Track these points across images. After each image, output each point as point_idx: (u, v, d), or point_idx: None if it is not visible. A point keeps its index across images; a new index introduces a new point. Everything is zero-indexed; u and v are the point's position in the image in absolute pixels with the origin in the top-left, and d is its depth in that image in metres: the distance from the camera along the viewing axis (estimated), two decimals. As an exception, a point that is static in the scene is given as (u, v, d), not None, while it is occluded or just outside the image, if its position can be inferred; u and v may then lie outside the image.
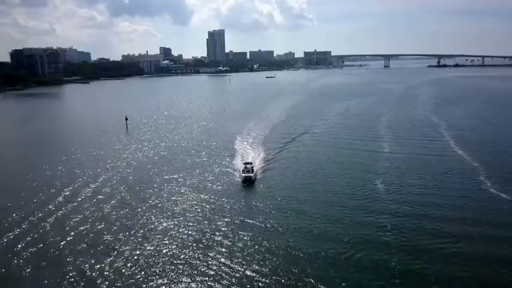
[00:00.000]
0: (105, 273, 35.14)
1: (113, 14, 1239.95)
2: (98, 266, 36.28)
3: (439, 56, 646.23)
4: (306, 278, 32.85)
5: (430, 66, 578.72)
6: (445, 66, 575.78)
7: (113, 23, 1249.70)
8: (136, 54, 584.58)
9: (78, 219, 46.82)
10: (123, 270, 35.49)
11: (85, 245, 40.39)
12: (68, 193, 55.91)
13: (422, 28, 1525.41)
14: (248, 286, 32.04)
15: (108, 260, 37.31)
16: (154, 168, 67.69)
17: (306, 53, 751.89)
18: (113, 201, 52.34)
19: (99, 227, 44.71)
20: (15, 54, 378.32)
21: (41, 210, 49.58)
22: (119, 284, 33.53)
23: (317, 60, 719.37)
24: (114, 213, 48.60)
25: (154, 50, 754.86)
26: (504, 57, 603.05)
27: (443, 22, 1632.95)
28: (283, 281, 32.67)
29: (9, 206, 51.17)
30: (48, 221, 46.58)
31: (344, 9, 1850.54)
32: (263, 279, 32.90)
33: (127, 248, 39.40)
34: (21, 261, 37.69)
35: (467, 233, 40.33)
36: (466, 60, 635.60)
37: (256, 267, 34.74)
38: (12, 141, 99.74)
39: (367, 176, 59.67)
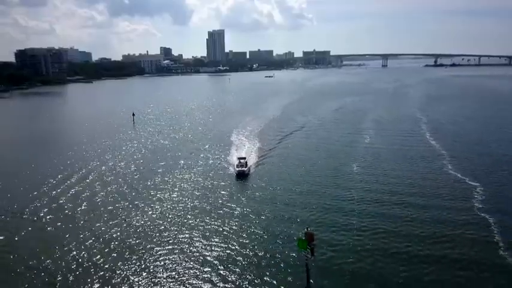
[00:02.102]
0: (110, 234, 43.86)
1: (112, 14, 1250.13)
2: (109, 228, 45.08)
3: (437, 56, 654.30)
4: (285, 257, 37.21)
5: (427, 65, 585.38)
6: (441, 65, 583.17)
7: (112, 22, 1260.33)
8: (137, 54, 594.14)
9: (90, 192, 56.90)
10: (125, 235, 44.02)
11: (97, 210, 49.86)
12: (85, 173, 65.30)
13: (422, 28, 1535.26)
14: (232, 266, 36.42)
15: (114, 223, 46.45)
16: (157, 159, 75.11)
17: (305, 53, 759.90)
18: (120, 183, 61.30)
19: (106, 199, 54.38)
20: (20, 54, 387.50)
21: (62, 185, 58.98)
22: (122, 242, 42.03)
23: (316, 59, 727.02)
24: (120, 192, 57.44)
25: (154, 50, 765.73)
26: (500, 57, 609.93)
27: (443, 22, 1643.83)
28: (264, 260, 37.00)
29: (35, 183, 60.16)
30: (68, 192, 56.14)
31: (344, 9, 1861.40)
32: (246, 259, 37.50)
33: (129, 219, 47.37)
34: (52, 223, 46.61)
35: (421, 209, 47.66)
36: (463, 59, 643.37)
37: (242, 248, 39.47)
38: (28, 136, 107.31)
39: (350, 168, 64.67)
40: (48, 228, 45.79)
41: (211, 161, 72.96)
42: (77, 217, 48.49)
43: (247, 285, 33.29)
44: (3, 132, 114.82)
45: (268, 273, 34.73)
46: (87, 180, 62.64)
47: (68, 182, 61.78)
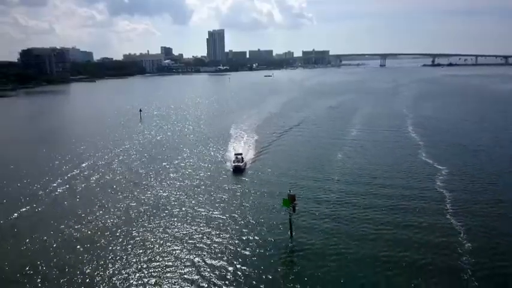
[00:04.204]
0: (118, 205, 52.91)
1: (112, 13, 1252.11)
2: (117, 201, 54.21)
3: (434, 55, 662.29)
4: (274, 219, 45.81)
5: (424, 65, 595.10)
6: (439, 65, 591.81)
7: (112, 22, 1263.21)
8: (137, 53, 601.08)
9: (99, 177, 66.07)
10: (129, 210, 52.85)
11: (106, 190, 59.06)
12: (98, 160, 74.80)
13: (421, 28, 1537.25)
14: (229, 228, 44.49)
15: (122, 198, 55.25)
16: (161, 151, 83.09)
17: (304, 53, 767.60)
18: (127, 170, 70.05)
19: (112, 179, 63.35)
20: (24, 53, 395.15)
21: (78, 169, 68.48)
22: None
23: (315, 59, 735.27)
24: (126, 178, 65.97)
25: (154, 49, 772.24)
26: (496, 57, 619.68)
27: (442, 22, 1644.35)
28: (259, 221, 45.73)
29: (60, 164, 69.07)
30: (82, 175, 65.89)
31: (344, 9, 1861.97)
32: (241, 224, 45.87)
33: (131, 204, 55.28)
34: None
35: (391, 185, 56.63)
36: (460, 59, 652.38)
37: (236, 218, 46.72)
38: (41, 131, 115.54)
39: (335, 157, 72.89)
40: (63, 203, 54.84)
41: (210, 156, 77.88)
42: (84, 196, 56.96)
43: (245, 236, 42.38)
44: (20, 128, 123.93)
45: (260, 228, 43.93)
46: (99, 167, 71.86)
47: (80, 167, 71.29)
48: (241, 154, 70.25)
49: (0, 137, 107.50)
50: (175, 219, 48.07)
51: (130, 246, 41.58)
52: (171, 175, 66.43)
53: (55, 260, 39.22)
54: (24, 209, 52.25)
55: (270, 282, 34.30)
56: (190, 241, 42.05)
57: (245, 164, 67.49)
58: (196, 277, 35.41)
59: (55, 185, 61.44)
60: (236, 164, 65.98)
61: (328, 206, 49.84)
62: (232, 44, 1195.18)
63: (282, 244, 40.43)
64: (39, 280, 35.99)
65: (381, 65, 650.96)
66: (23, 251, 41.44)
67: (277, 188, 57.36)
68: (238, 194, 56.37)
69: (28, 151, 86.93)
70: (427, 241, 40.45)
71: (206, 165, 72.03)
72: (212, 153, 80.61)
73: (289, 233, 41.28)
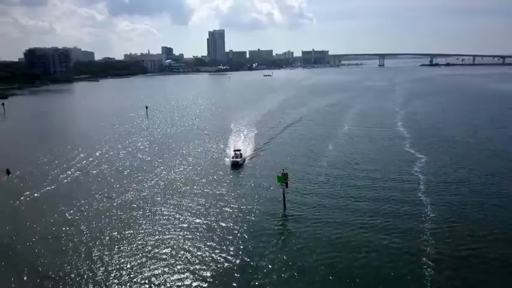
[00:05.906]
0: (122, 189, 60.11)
1: (112, 13, 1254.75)
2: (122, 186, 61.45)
3: (433, 55, 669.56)
4: (269, 198, 54.44)
5: (422, 65, 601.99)
6: (436, 65, 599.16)
7: (112, 22, 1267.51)
8: (138, 53, 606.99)
9: (111, 163, 73.67)
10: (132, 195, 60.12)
11: (115, 176, 66.16)
12: (109, 150, 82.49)
13: (421, 28, 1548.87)
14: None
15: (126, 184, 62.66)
16: (165, 146, 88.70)
17: (304, 52, 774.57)
18: (132, 161, 77.76)
19: (115, 169, 70.70)
20: (29, 53, 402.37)
21: (89, 159, 76.14)
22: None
23: (314, 59, 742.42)
24: (130, 168, 73.09)
25: (154, 49, 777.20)
26: (493, 57, 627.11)
27: (442, 22, 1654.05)
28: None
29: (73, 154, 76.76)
30: (96, 162, 73.21)
31: (344, 9, 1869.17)
32: (237, 206, 54.47)
33: (134, 188, 63.14)
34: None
35: (374, 170, 64.23)
36: (457, 59, 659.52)
37: (233, 202, 54.61)
38: (50, 128, 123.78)
39: (327, 148, 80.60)
40: (80, 184, 62.21)
41: (210, 152, 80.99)
42: (92, 182, 63.78)
43: (245, 210, 49.78)
44: (32, 124, 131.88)
45: (257, 205, 51.31)
46: (109, 156, 79.64)
47: (94, 156, 79.05)
48: (239, 150, 73.72)
49: (20, 131, 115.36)
50: (180, 199, 54.55)
51: (142, 224, 48.02)
52: (174, 165, 72.24)
53: (75, 231, 45.69)
54: (48, 188, 60.39)
55: (267, 240, 42.00)
56: (197, 214, 49.39)
57: (243, 159, 70.67)
58: (206, 236, 43.32)
59: (72, 170, 69.53)
60: (234, 159, 69.16)
61: (318, 186, 57.60)
62: (232, 44, 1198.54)
63: (276, 214, 48.20)
64: (62, 249, 41.79)
65: (379, 65, 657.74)
66: (48, 223, 48.11)
67: (273, 182, 59.38)
68: (236, 184, 60.59)
69: (44, 143, 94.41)
70: (395, 214, 47.93)
71: (207, 160, 75.12)
72: (212, 149, 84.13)
73: (282, 205, 48.78)
